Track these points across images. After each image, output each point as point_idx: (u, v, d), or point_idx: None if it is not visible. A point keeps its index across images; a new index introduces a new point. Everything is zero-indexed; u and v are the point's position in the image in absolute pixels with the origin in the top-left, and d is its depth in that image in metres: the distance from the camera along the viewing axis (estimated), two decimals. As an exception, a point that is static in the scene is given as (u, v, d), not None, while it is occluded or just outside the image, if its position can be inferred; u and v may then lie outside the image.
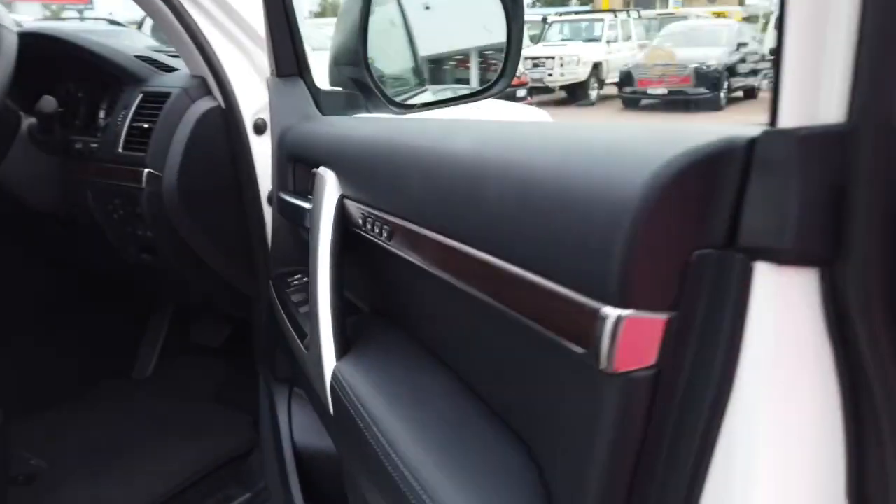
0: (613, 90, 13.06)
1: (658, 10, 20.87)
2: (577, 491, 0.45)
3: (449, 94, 1.38)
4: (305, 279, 1.12)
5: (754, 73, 13.45)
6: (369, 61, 1.22)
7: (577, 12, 19.53)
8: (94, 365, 1.99)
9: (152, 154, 1.35)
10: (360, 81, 1.25)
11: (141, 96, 1.42)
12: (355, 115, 1.16)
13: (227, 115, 1.37)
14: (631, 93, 11.99)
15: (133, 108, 1.41)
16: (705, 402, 0.38)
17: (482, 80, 1.62)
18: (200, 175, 1.38)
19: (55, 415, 1.79)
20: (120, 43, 1.66)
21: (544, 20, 15.75)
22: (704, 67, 11.50)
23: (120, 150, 1.41)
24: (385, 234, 0.72)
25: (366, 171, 0.81)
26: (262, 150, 1.41)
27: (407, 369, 0.80)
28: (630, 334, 0.37)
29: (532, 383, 0.55)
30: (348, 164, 0.85)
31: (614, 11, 17.07)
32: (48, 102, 1.43)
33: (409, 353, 0.83)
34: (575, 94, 13.26)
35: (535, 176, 0.48)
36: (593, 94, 13.45)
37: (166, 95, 1.37)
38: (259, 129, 1.39)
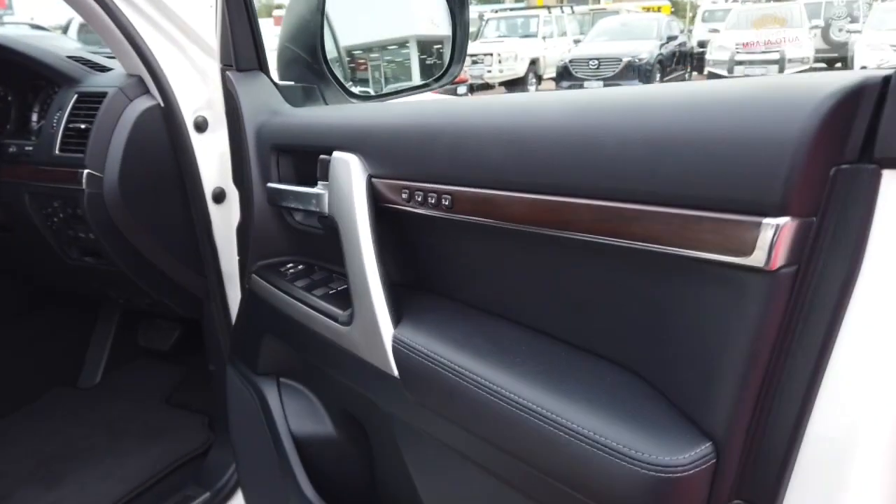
0: (551, 84, 13.27)
1: (591, 6, 21.29)
2: (714, 386, 0.54)
3: (406, 85, 1.40)
4: (301, 266, 1.12)
5: (684, 65, 13.90)
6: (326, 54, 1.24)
7: (512, 9, 19.74)
8: (39, 375, 1.94)
9: (91, 154, 1.33)
10: (315, 74, 1.26)
11: (76, 97, 1.40)
12: (340, 105, 1.17)
13: (167, 113, 1.37)
14: (569, 87, 12.22)
15: (68, 109, 1.39)
16: (833, 295, 0.48)
17: (424, 72, 1.65)
18: (142, 174, 1.37)
19: (4, 425, 1.74)
20: (50, 44, 1.62)
21: (480, 17, 15.88)
22: (637, 60, 11.80)
23: (56, 151, 1.38)
24: (446, 203, 0.75)
25: (407, 151, 0.83)
26: (203, 148, 1.40)
27: (474, 326, 0.82)
28: (784, 238, 0.47)
29: (649, 311, 0.61)
30: (378, 147, 0.86)
31: (548, 7, 17.32)
32: None
33: (466, 315, 0.85)
34: (514, 90, 13.43)
35: (675, 126, 0.54)
36: (531, 88, 13.62)
37: (102, 95, 1.35)
38: (200, 126, 1.39)
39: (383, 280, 0.84)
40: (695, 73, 14.66)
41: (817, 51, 12.85)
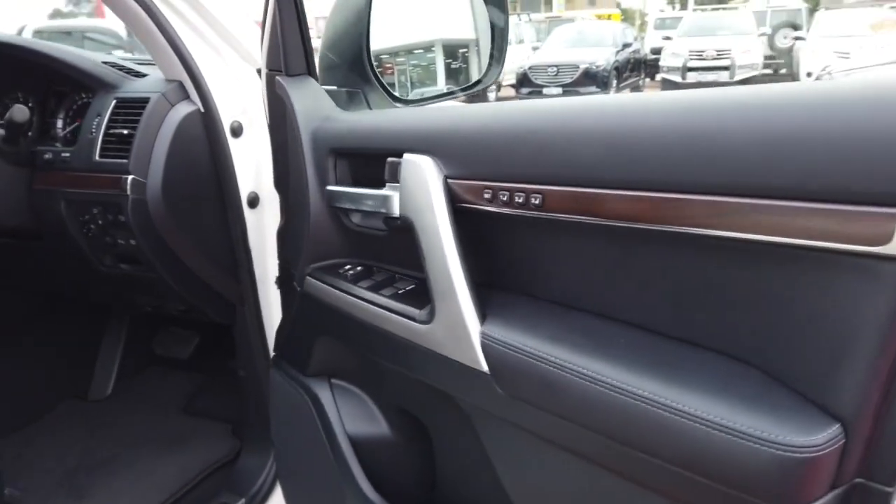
0: (511, 91, 13.43)
1: (546, 14, 21.63)
2: (843, 371, 0.57)
3: (448, 89, 1.43)
4: (359, 267, 1.13)
5: (638, 71, 14.24)
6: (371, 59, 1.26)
7: (468, 17, 19.84)
8: (49, 387, 1.90)
9: (135, 160, 1.32)
10: (359, 78, 1.28)
11: (115, 102, 1.39)
12: (400, 109, 1.18)
13: (206, 118, 1.37)
14: (528, 94, 12.38)
15: (107, 115, 1.38)
16: None
17: (449, 76, 1.68)
18: (183, 180, 1.37)
19: (20, 439, 1.69)
20: (72, 51, 1.60)
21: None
22: (594, 67, 12.05)
23: (97, 157, 1.37)
24: (536, 202, 0.78)
25: (491, 153, 0.84)
26: (239, 153, 1.41)
27: (565, 321, 0.84)
28: None
29: (764, 302, 0.64)
30: (456, 149, 0.88)
31: (505, 15, 17.47)
32: (20, 112, 1.37)
33: (553, 311, 0.87)
34: (475, 97, 13.50)
35: (799, 123, 0.57)
36: (492, 95, 13.74)
37: (143, 101, 1.35)
38: (236, 131, 1.40)
39: (468, 278, 0.86)
40: (648, 80, 15.05)
41: (765, 57, 13.33)
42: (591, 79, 12.05)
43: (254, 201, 1.46)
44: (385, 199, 0.98)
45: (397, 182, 0.96)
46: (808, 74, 11.66)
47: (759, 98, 0.63)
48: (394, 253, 1.09)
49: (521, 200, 0.80)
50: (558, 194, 0.76)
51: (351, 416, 1.20)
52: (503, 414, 0.84)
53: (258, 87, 1.48)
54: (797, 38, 13.77)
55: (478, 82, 1.36)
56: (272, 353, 1.38)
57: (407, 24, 1.62)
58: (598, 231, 0.75)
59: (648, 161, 0.67)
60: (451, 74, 1.74)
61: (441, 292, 0.88)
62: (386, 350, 1.00)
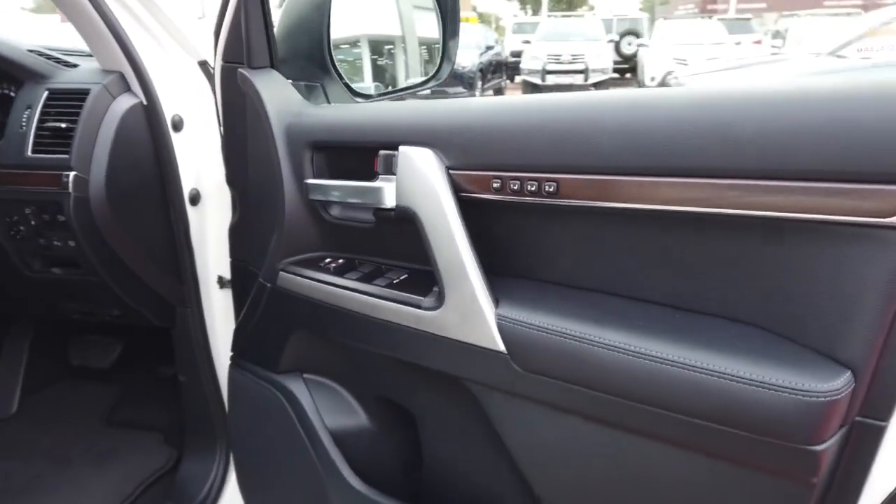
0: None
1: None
2: (852, 324, 0.67)
3: (404, 84, 1.45)
4: (340, 260, 1.13)
5: (500, 73, 14.77)
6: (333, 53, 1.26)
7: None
8: None
9: (77, 156, 1.24)
10: (318, 71, 1.28)
11: (46, 93, 1.29)
12: (382, 103, 1.18)
13: (149, 111, 1.31)
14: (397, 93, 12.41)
15: (39, 107, 1.28)
16: None
17: (375, 72, 1.70)
18: (126, 177, 1.31)
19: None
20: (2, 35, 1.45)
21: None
22: (460, 68, 12.34)
23: (29, 153, 1.26)
24: (550, 189, 0.83)
25: (502, 144, 0.88)
26: (180, 148, 1.36)
27: (578, 300, 0.89)
28: None
29: (774, 270, 0.72)
30: (460, 141, 0.91)
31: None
32: None
33: (563, 292, 0.92)
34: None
35: (816, 115, 0.65)
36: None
37: (82, 93, 1.27)
38: (177, 125, 1.35)
39: (478, 263, 0.91)
40: (508, 82, 15.65)
41: (614, 62, 14.30)
42: (458, 79, 12.34)
43: (195, 198, 1.41)
44: (377, 191, 1.00)
45: (392, 174, 0.98)
46: (652, 79, 12.68)
47: (776, 93, 0.71)
48: (379, 244, 1.11)
49: (533, 188, 0.85)
50: (573, 182, 0.82)
51: (328, 409, 1.20)
52: (519, 390, 0.89)
53: (199, 80, 1.43)
54: (641, 45, 14.92)
55: (433, 78, 1.40)
56: (230, 354, 1.34)
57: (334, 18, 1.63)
58: (608, 214, 0.82)
59: (668, 150, 0.74)
60: (378, 71, 1.76)
61: (452, 279, 0.91)
62: (382, 339, 1.02)
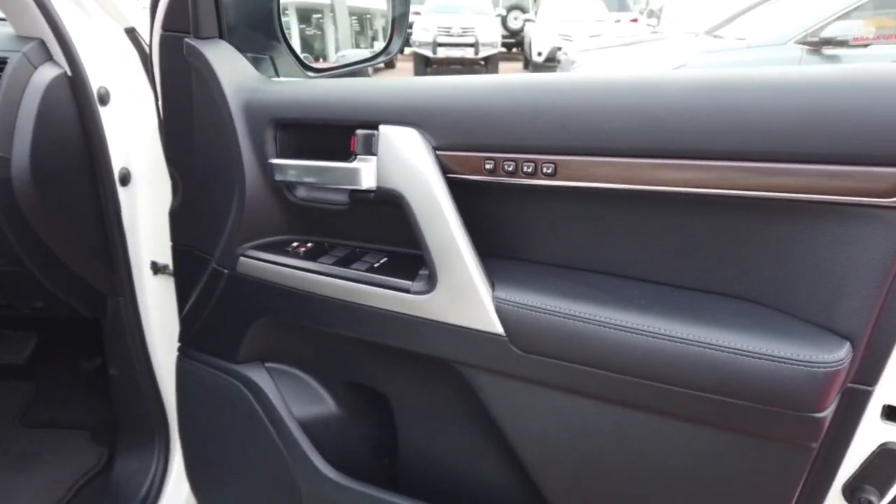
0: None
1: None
2: (850, 297, 0.72)
3: (352, 59, 1.39)
4: (309, 244, 1.08)
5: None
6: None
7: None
8: None
9: None
10: (268, 43, 1.21)
11: None
12: (355, 80, 1.12)
13: (74, 83, 1.20)
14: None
15: None
16: None
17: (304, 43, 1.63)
18: (51, 155, 1.19)
19: None
20: None
21: None
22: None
23: None
24: (547, 171, 0.83)
25: (496, 125, 0.86)
26: (108, 123, 1.26)
27: (574, 280, 0.89)
28: None
29: (774, 247, 0.76)
30: (450, 122, 0.89)
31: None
32: None
33: (558, 272, 0.92)
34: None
35: (823, 104, 0.69)
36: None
37: (0, 62, 1.13)
38: (103, 99, 1.25)
39: (472, 245, 0.90)
40: (399, 54, 15.45)
41: (502, 36, 14.48)
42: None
43: (125, 178, 1.30)
44: (354, 172, 0.96)
45: (371, 154, 0.95)
46: (539, 54, 12.98)
47: (780, 78, 0.74)
48: (351, 227, 1.07)
49: (529, 170, 0.85)
50: (573, 163, 0.83)
51: (294, 398, 1.16)
52: (518, 373, 0.89)
53: (126, 49, 1.32)
54: (527, 20, 15.18)
55: (383, 52, 1.36)
56: (177, 344, 1.26)
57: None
58: (606, 195, 0.84)
59: (674, 132, 0.76)
60: (306, 42, 1.70)
61: (444, 262, 0.90)
62: (365, 325, 0.99)
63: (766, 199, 0.73)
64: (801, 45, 5.43)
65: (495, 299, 0.88)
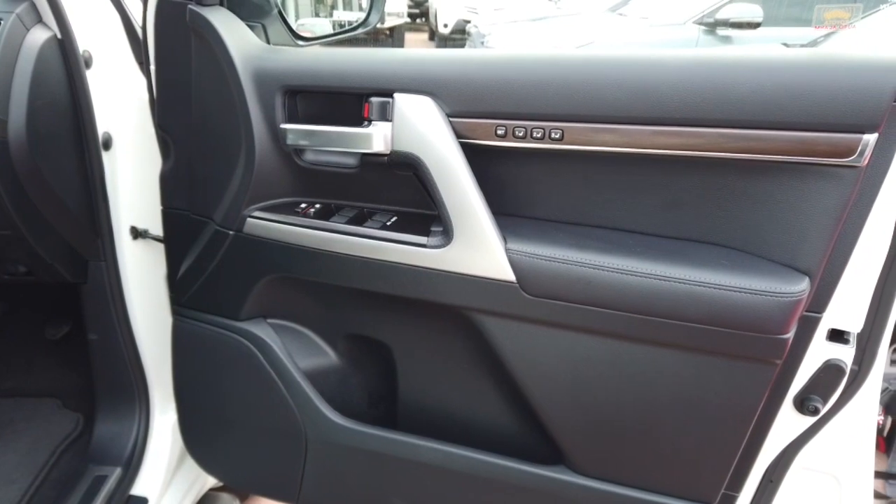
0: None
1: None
2: (809, 238, 0.89)
3: (331, 29, 1.43)
4: (317, 205, 1.14)
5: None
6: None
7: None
8: None
9: None
10: (261, 10, 1.24)
11: None
12: (362, 49, 1.17)
13: (64, 46, 1.20)
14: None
15: None
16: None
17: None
18: (44, 119, 1.19)
19: None
20: None
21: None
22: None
23: None
24: (556, 136, 0.94)
25: (510, 94, 0.95)
26: (92, 87, 1.26)
27: (579, 234, 1.01)
28: (870, 145, 0.82)
29: (745, 200, 0.91)
30: (464, 90, 0.98)
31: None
32: None
33: (562, 227, 1.03)
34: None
35: (798, 78, 0.83)
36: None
37: None
38: (87, 62, 1.25)
39: (485, 204, 1.00)
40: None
41: (408, 6, 14.41)
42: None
43: (107, 143, 1.31)
44: (367, 137, 1.04)
45: (387, 120, 1.03)
46: (445, 26, 13.03)
47: (763, 59, 0.89)
48: (358, 188, 1.15)
49: (539, 135, 0.97)
50: (578, 129, 0.95)
51: (297, 350, 1.23)
52: (527, 315, 1.01)
53: (108, 11, 1.32)
54: (432, -9, 15.14)
55: (361, 25, 1.42)
56: (171, 305, 1.29)
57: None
58: (607, 158, 0.97)
59: (669, 104, 0.89)
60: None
61: (460, 218, 1.00)
62: (380, 279, 1.08)
63: (745, 160, 0.89)
64: (698, 26, 5.81)
65: (507, 250, 0.99)
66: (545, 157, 1.02)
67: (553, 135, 0.96)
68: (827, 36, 4.74)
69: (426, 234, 1.05)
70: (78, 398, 1.56)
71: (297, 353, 1.22)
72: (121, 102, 1.33)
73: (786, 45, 4.89)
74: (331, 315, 1.23)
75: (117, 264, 1.39)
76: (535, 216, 1.09)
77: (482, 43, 7.07)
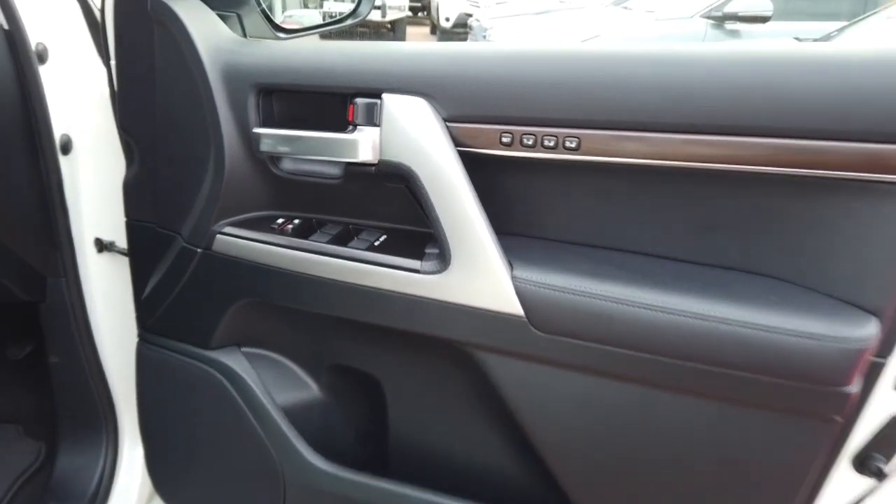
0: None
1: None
2: (876, 274, 0.74)
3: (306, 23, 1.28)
4: (297, 220, 1.00)
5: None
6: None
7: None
8: None
9: None
10: (238, 2, 1.11)
11: None
12: (349, 43, 1.03)
13: (12, 38, 1.06)
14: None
15: None
16: None
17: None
18: None
19: None
20: None
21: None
22: None
23: None
24: (571, 145, 0.80)
25: (515, 96, 0.82)
26: (47, 84, 1.13)
27: (596, 259, 0.87)
28: None
29: (802, 226, 0.77)
30: (463, 92, 0.84)
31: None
32: None
33: (577, 251, 0.89)
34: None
35: (868, 83, 0.69)
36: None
37: None
38: (41, 56, 1.12)
39: (488, 222, 0.86)
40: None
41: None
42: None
43: (66, 146, 1.18)
44: (352, 144, 0.90)
45: (374, 125, 0.89)
46: (447, 19, 12.85)
47: (834, 55, 0.73)
48: (341, 202, 1.01)
49: (551, 144, 0.82)
50: (598, 137, 0.80)
51: (275, 383, 1.10)
52: (536, 354, 0.87)
53: (66, 2, 1.18)
54: (434, -15, 14.96)
55: (350, 15, 1.28)
56: (137, 330, 1.16)
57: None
58: (630, 170, 0.83)
59: (707, 107, 0.75)
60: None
61: (459, 240, 0.86)
62: (367, 308, 0.94)
63: (801, 176, 0.74)
64: (705, 20, 5.66)
65: (514, 279, 0.85)
66: (558, 170, 0.88)
67: (568, 144, 0.82)
68: (840, 30, 4.59)
69: (419, 256, 0.92)
70: (42, 425, 1.43)
71: (274, 385, 1.09)
72: (82, 101, 1.19)
73: (798, 39, 4.73)
74: (313, 344, 1.10)
75: (79, 280, 1.26)
76: (546, 237, 0.94)
77: (484, 37, 6.92)
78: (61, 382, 1.32)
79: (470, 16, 9.84)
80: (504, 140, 0.84)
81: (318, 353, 1.10)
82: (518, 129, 0.83)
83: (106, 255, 1.28)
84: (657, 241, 0.88)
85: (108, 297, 1.30)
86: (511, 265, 0.86)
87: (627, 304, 0.80)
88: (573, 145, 0.81)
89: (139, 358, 1.15)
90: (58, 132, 1.15)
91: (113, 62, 1.07)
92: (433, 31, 14.19)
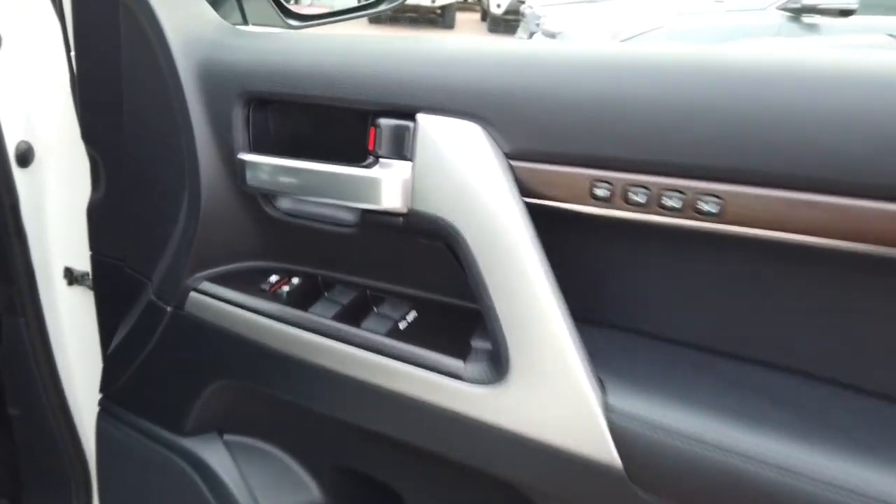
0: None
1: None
2: None
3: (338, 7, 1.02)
4: (295, 279, 0.74)
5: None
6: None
7: None
8: None
9: None
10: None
11: None
12: (365, 35, 0.76)
13: None
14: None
15: None
16: None
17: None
18: None
19: None
20: None
21: None
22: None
23: None
24: (709, 209, 0.51)
25: (605, 125, 0.54)
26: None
27: (713, 375, 0.59)
28: None
29: None
30: (540, 115, 0.56)
31: None
32: None
33: (680, 357, 0.61)
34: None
35: None
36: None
37: None
38: None
39: (567, 312, 0.58)
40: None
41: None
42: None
43: (26, 157, 0.94)
44: (373, 184, 0.63)
45: (404, 158, 0.62)
46: (498, 6, 12.50)
47: None
48: (361, 258, 0.74)
49: (675, 204, 0.53)
50: (752, 199, 0.51)
51: (263, 483, 0.84)
52: None
53: None
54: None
55: (371, 4, 1.01)
56: (99, 394, 0.92)
57: None
58: (790, 248, 0.54)
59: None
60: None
61: (522, 335, 0.58)
62: (380, 416, 0.68)
63: None
64: (781, 12, 5.22)
65: (608, 408, 0.57)
66: (680, 239, 0.59)
67: (702, 206, 0.53)
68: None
69: (463, 349, 0.64)
70: (5, 482, 1.21)
71: (263, 486, 0.83)
72: (47, 101, 0.95)
73: (892, 36, 4.28)
74: (315, 436, 0.84)
75: (42, 319, 1.02)
76: (655, 334, 0.65)
77: (537, 25, 6.57)
78: (24, 439, 1.10)
79: (522, 2, 9.47)
80: (598, 193, 0.56)
81: (323, 448, 0.84)
82: (621, 176, 0.55)
83: (77, 289, 1.04)
84: (835, 358, 0.59)
85: (80, 339, 1.06)
86: (601, 383, 0.58)
87: (780, 472, 0.51)
88: (713, 209, 0.52)
89: (99, 432, 0.91)
90: (14, 139, 0.92)
91: (73, 57, 0.83)
92: (483, 18, 13.85)
